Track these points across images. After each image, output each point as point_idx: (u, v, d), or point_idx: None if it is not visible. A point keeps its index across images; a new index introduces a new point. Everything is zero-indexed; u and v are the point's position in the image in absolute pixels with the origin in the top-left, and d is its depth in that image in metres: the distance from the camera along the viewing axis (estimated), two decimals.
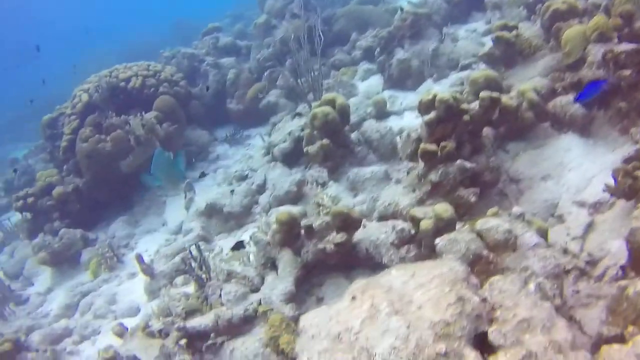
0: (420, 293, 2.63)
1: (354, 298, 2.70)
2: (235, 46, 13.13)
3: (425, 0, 10.98)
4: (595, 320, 3.48)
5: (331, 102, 6.65)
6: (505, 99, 5.45)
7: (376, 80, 9.55)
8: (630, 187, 4.40)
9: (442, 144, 4.93)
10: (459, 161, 4.92)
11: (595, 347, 3.13)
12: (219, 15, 21.97)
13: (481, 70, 5.91)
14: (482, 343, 2.52)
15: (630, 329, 2.88)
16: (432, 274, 2.78)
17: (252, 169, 8.64)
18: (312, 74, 9.35)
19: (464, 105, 5.12)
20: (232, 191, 7.82)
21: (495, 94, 5.21)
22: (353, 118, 7.78)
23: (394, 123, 7.73)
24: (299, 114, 8.69)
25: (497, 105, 5.28)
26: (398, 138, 6.65)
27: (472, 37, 9.89)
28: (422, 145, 4.97)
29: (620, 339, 2.90)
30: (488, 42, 9.62)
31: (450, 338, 2.37)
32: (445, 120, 5.06)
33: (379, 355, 2.33)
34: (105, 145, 9.64)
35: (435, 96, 5.09)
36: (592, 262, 4.61)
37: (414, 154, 5.36)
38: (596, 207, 5.12)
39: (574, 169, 5.72)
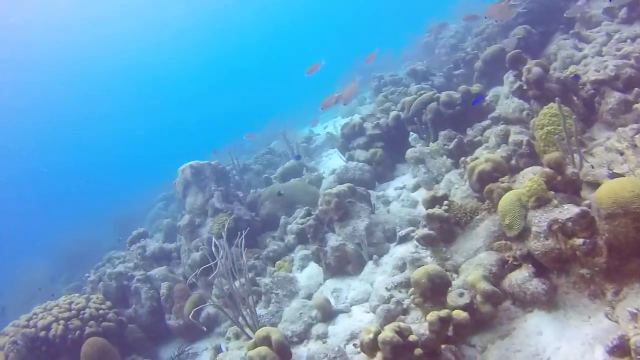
0: None
1: None
2: (164, 251, 12.24)
3: (346, 167, 10.63)
4: None
5: (266, 340, 5.74)
6: (456, 312, 4.69)
7: (316, 267, 8.79)
8: None
9: None
10: None
11: None
12: (152, 199, 21.68)
13: (421, 269, 5.20)
14: None
15: None
16: None
17: None
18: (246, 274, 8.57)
19: (412, 337, 4.32)
20: None
21: (443, 313, 4.43)
22: (298, 326, 7.12)
23: (343, 324, 6.91)
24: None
25: (449, 324, 4.50)
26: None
27: (403, 195, 9.43)
28: None
29: None
30: (418, 198, 9.18)
31: None
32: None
33: None
34: None
35: (376, 335, 4.30)
36: None
37: None
38: None
39: (552, 356, 4.92)
